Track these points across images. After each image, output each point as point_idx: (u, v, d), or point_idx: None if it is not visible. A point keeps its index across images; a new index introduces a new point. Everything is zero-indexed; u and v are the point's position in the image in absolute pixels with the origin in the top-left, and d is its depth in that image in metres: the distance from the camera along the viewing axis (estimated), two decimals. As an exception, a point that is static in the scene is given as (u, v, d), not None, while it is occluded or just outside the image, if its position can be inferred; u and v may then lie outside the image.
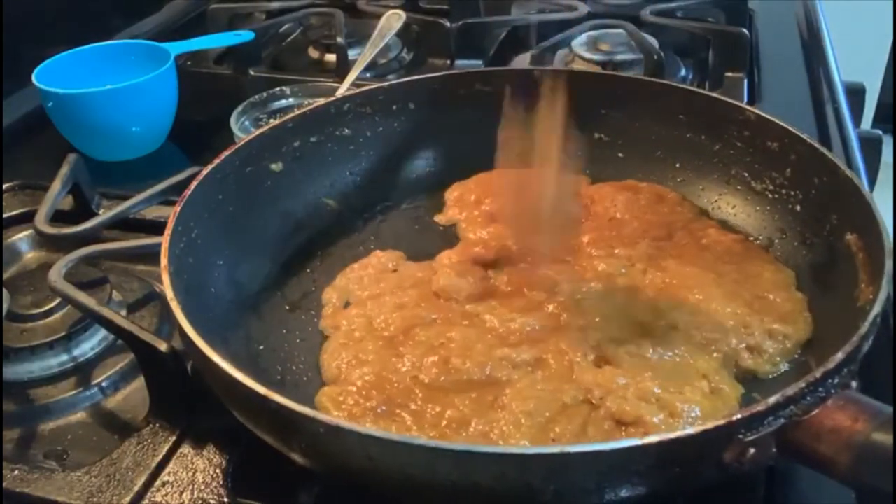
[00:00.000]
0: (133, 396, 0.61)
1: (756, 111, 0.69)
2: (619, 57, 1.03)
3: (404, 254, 0.69)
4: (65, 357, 0.63)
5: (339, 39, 1.06)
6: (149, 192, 0.69)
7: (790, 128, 0.66)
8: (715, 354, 0.56)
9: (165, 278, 0.53)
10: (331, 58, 1.10)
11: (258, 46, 1.11)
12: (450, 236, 0.72)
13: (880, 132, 1.01)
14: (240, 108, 0.90)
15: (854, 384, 0.45)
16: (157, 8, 1.27)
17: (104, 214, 0.69)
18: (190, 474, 0.53)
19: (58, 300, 0.64)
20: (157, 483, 0.52)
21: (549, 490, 0.41)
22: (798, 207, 0.66)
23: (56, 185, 0.73)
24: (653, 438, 0.40)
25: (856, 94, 1.06)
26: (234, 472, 0.53)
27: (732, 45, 1.00)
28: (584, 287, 0.63)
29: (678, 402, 0.52)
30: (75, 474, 0.52)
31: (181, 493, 0.52)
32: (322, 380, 0.58)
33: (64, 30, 1.06)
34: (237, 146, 0.67)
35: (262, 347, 0.60)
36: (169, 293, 0.52)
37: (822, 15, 1.16)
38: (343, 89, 0.90)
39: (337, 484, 0.50)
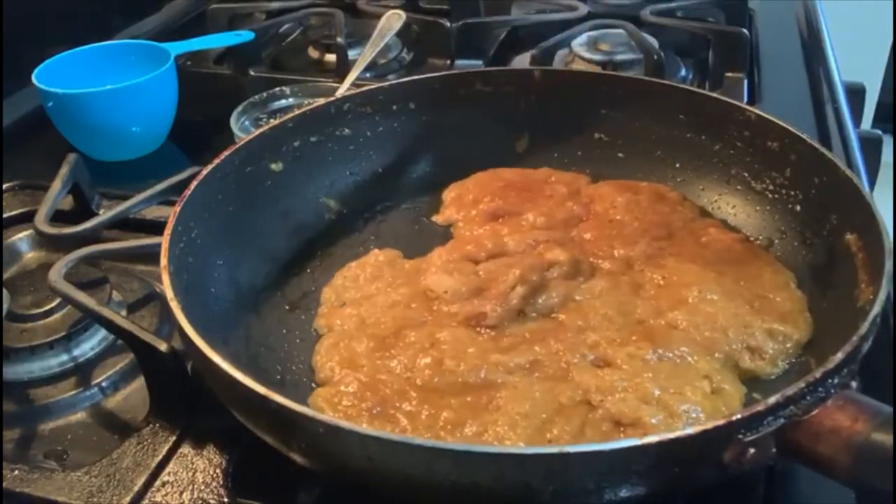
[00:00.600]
0: (133, 396, 0.61)
1: (756, 111, 0.69)
2: (619, 57, 1.03)
3: (403, 253, 0.69)
4: (65, 357, 0.63)
5: (339, 39, 1.06)
6: (149, 192, 0.69)
7: (790, 128, 0.66)
8: (716, 355, 0.56)
9: (165, 278, 0.53)
10: (331, 58, 1.10)
11: (258, 46, 1.11)
12: (449, 236, 0.72)
13: (880, 132, 1.01)
14: (240, 108, 0.90)
15: (854, 384, 0.45)
16: (157, 8, 1.27)
17: (104, 214, 0.69)
18: (190, 474, 0.53)
19: (58, 300, 0.64)
20: (157, 483, 0.52)
21: (548, 490, 0.41)
22: (798, 207, 0.66)
23: (56, 185, 0.73)
24: (652, 438, 0.40)
25: (856, 94, 1.06)
26: (234, 472, 0.53)
27: (732, 45, 1.00)
28: (584, 286, 0.63)
29: (678, 403, 0.52)
30: (75, 474, 0.52)
31: (181, 493, 0.52)
32: (315, 381, 0.58)
33: (64, 30, 1.06)
34: (237, 146, 0.67)
35: (261, 347, 0.60)
36: (169, 293, 0.52)
37: (822, 15, 1.16)
38: (343, 89, 0.90)
39: (337, 484, 0.50)
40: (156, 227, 0.71)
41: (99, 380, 0.61)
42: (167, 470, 0.53)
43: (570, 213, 0.72)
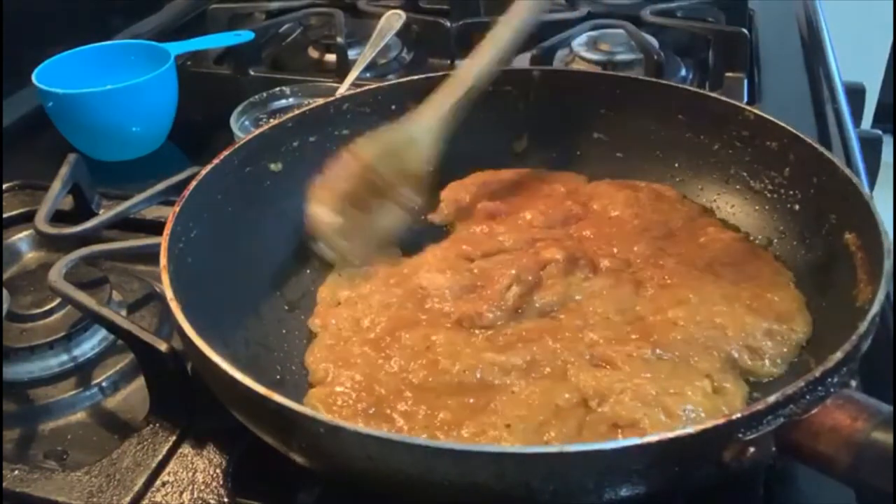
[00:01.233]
0: (133, 396, 0.61)
1: (755, 111, 0.69)
2: (619, 57, 1.03)
3: (401, 252, 0.69)
4: (65, 357, 0.63)
5: (339, 39, 1.06)
6: (149, 192, 0.69)
7: (789, 128, 0.66)
8: (715, 353, 0.56)
9: (165, 278, 0.53)
10: (331, 58, 1.10)
11: (258, 46, 1.11)
12: (446, 235, 0.72)
13: (880, 132, 1.01)
14: (240, 108, 0.90)
15: (853, 383, 0.45)
16: (157, 8, 1.27)
17: (104, 214, 0.69)
18: (190, 474, 0.53)
19: (58, 300, 0.64)
20: (157, 483, 0.52)
21: (547, 490, 0.41)
22: (797, 207, 0.66)
23: (56, 185, 0.74)
24: (652, 438, 0.40)
25: (856, 94, 1.06)
26: (234, 472, 0.53)
27: (732, 45, 1.00)
28: (583, 285, 0.63)
29: (678, 404, 0.51)
30: (75, 474, 0.52)
31: (181, 493, 0.52)
32: (309, 381, 0.58)
33: (64, 30, 1.06)
34: (236, 146, 0.67)
35: (261, 347, 0.60)
36: (168, 293, 0.52)
37: (822, 15, 1.16)
38: (343, 89, 0.90)
39: (337, 484, 0.50)
40: (156, 227, 0.71)
41: (99, 380, 0.61)
42: (167, 470, 0.53)
43: (568, 212, 0.72)
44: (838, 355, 0.44)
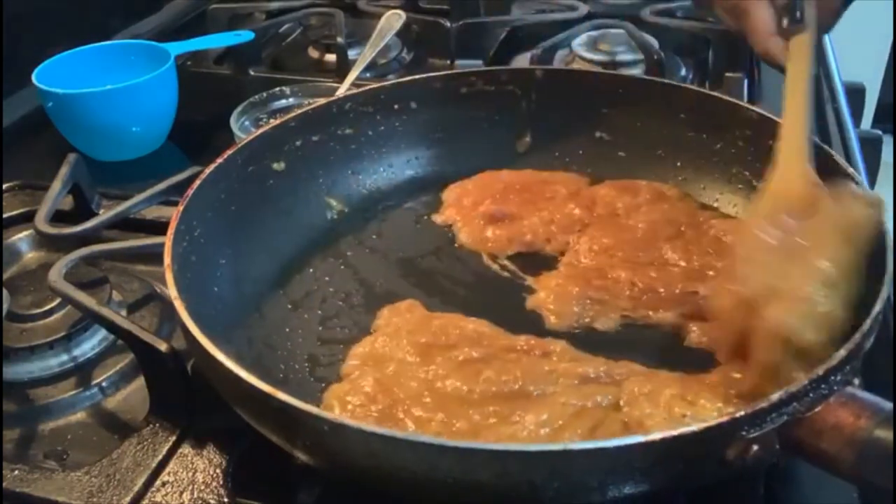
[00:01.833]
0: (133, 396, 0.61)
1: (758, 110, 0.69)
2: (620, 57, 1.03)
3: (405, 253, 0.69)
4: (65, 357, 0.62)
5: (339, 39, 1.06)
6: (149, 192, 0.69)
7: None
8: None
9: (169, 277, 0.53)
10: (331, 58, 1.10)
11: (258, 46, 1.11)
12: (449, 236, 0.72)
13: (880, 132, 1.01)
14: (240, 108, 0.90)
15: (856, 381, 0.45)
16: (157, 8, 1.27)
17: (104, 214, 0.69)
18: (190, 474, 0.53)
19: (58, 300, 0.63)
20: (157, 483, 0.52)
21: (551, 487, 0.41)
22: (799, 206, 0.65)
23: (56, 185, 0.73)
24: (656, 436, 0.40)
25: (856, 94, 1.06)
26: (234, 472, 0.53)
27: (732, 45, 1.00)
28: None
29: (695, 410, 0.51)
30: (75, 474, 0.52)
31: (181, 493, 0.52)
32: (338, 373, 0.57)
33: (64, 30, 1.06)
34: (239, 145, 0.67)
35: (264, 346, 0.60)
36: (172, 292, 0.52)
37: (821, 15, 1.16)
38: (343, 89, 0.90)
39: (337, 484, 0.50)
40: (156, 227, 0.71)
41: (99, 380, 0.61)
42: (167, 470, 0.53)
43: (571, 215, 0.71)
44: (841, 353, 0.44)
